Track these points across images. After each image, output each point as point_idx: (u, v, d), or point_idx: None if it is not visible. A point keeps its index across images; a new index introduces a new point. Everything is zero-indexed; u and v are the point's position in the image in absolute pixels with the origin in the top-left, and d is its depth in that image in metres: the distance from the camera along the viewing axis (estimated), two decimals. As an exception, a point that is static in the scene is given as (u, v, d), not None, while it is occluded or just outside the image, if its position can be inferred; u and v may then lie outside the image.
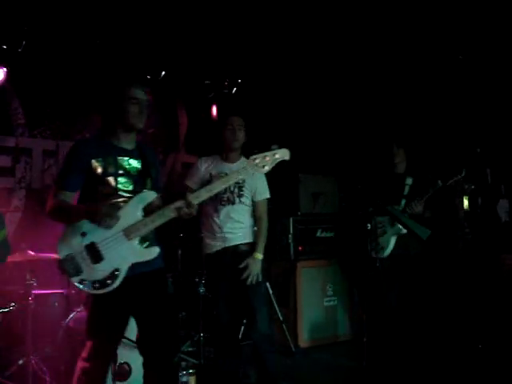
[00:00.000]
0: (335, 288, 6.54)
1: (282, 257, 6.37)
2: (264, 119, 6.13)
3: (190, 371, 4.74)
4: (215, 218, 4.34)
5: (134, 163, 3.32)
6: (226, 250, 4.33)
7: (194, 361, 5.24)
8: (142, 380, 3.41)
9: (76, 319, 4.75)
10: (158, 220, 3.17)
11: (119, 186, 3.22)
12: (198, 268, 5.50)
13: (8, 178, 6.06)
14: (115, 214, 3.08)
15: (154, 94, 6.87)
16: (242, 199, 4.38)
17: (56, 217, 3.20)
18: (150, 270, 3.26)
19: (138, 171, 3.32)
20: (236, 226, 4.35)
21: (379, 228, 5.08)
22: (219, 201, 4.32)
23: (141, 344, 3.37)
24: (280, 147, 3.42)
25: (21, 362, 4.66)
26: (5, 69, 5.81)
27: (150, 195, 3.27)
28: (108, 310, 3.21)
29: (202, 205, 4.22)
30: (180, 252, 5.57)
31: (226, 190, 4.31)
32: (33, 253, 4.76)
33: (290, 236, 6.28)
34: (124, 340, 3.80)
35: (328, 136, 6.96)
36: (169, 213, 3.17)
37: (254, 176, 4.30)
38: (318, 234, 6.51)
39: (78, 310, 4.80)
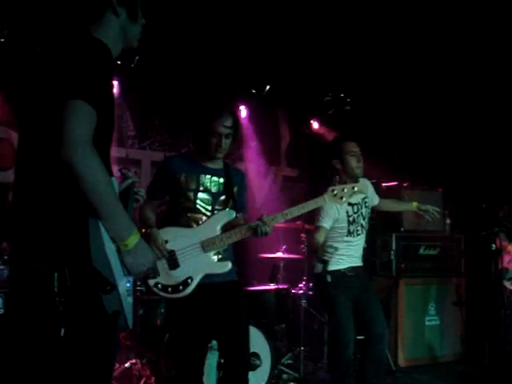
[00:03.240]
0: (438, 307, 6.36)
1: (382, 273, 6.27)
2: (366, 132, 6.05)
3: (291, 384, 4.78)
4: (347, 245, 4.27)
5: (216, 182, 3.53)
6: (354, 269, 4.30)
7: (294, 374, 5.24)
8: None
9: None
10: (233, 236, 3.39)
11: (198, 201, 3.46)
12: (300, 281, 5.52)
13: (118, 187, 6.30)
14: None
15: (258, 107, 7.02)
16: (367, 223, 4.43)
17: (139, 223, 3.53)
18: (224, 280, 3.45)
19: (219, 190, 3.53)
20: (361, 250, 4.41)
21: None
22: (355, 232, 4.30)
23: (219, 349, 3.57)
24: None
25: (128, 364, 4.82)
26: (116, 82, 6.07)
27: (229, 214, 3.48)
28: (185, 315, 3.39)
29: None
30: (282, 264, 5.59)
31: (363, 216, 4.34)
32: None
33: (392, 252, 6.15)
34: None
35: (436, 149, 6.75)
36: (245, 231, 3.38)
37: (368, 190, 4.40)
38: (421, 252, 6.36)
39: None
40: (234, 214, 3.48)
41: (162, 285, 3.32)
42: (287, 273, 5.65)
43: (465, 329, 6.42)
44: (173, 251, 3.35)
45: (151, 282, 3.31)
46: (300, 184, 7.57)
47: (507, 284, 4.66)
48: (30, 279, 2.02)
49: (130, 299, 2.20)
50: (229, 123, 3.46)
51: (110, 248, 2.04)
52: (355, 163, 4.24)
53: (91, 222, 1.98)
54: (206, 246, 3.37)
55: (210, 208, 3.48)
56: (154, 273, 3.28)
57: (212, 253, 3.40)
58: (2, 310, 4.69)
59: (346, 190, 3.48)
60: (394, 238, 6.19)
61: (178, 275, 3.33)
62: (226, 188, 3.55)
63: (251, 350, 3.75)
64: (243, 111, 6.97)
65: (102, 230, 2.01)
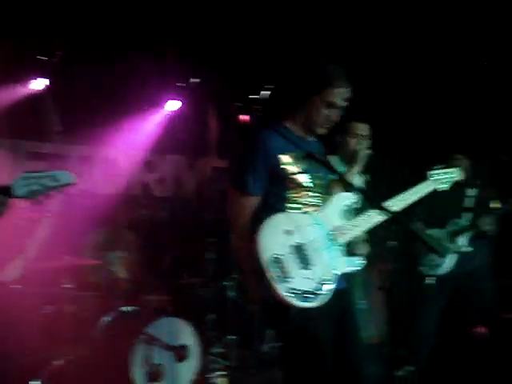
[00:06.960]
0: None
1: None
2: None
3: (221, 373, 4.92)
4: None
5: (321, 157, 2.86)
6: None
7: (225, 362, 5.33)
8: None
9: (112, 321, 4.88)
10: (362, 224, 2.78)
11: (310, 184, 2.77)
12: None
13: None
14: None
15: (186, 99, 7.06)
16: None
17: (239, 236, 2.75)
18: (344, 287, 2.77)
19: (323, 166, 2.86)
20: None
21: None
22: None
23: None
24: None
25: (56, 362, 4.71)
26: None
27: (348, 197, 2.85)
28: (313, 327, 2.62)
29: None
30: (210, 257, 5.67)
31: None
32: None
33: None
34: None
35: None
36: (373, 219, 2.78)
37: None
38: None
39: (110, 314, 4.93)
40: (352, 196, 2.86)
41: (297, 290, 2.54)
42: (215, 266, 5.71)
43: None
44: (300, 244, 2.61)
45: (282, 286, 2.52)
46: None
47: (426, 269, 4.82)
48: None
49: None
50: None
51: None
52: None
53: None
54: (336, 237, 2.73)
55: (323, 190, 2.86)
56: (284, 275, 2.55)
57: (343, 246, 2.76)
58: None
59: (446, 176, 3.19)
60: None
61: (313, 276, 2.58)
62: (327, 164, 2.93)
63: (179, 343, 3.83)
64: (174, 104, 7.03)
65: None
